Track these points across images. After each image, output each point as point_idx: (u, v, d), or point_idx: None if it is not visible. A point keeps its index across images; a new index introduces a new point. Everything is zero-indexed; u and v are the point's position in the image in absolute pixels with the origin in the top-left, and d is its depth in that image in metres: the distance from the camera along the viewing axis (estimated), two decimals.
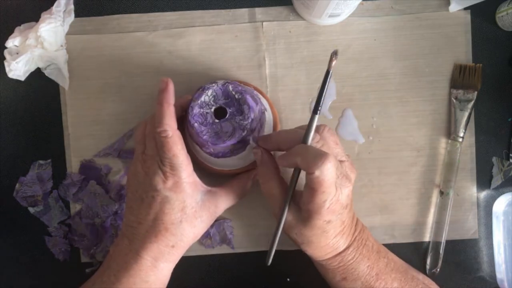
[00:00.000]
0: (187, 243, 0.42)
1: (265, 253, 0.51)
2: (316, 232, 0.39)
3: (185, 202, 0.40)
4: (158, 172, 0.40)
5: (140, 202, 0.41)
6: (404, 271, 0.44)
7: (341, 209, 0.39)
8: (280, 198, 0.41)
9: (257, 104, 0.42)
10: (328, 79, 0.38)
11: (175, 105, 0.41)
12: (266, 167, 0.42)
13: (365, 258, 0.42)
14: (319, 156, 0.36)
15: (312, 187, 0.37)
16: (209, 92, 0.42)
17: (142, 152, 0.42)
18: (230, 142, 0.41)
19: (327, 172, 0.36)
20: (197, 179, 0.42)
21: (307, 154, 0.37)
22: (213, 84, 0.42)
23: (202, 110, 0.42)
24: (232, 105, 0.42)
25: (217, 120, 0.42)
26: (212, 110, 0.42)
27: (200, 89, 0.42)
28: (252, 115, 0.42)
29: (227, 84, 0.42)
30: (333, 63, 0.38)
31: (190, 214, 0.41)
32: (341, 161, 0.39)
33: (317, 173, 0.36)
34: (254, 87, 0.47)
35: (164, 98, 0.39)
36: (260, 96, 0.47)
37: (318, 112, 0.39)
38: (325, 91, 0.39)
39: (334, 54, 0.38)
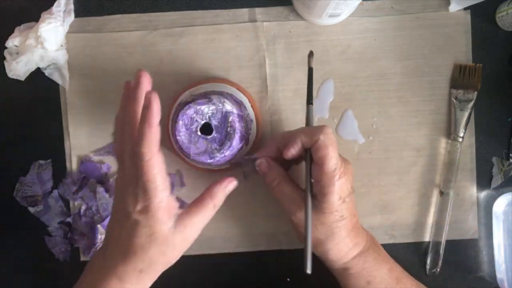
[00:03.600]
0: (156, 270, 0.40)
1: (266, 253, 0.51)
2: (333, 219, 0.40)
3: (155, 228, 0.37)
4: (130, 193, 0.37)
5: (115, 220, 0.40)
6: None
7: (348, 195, 0.40)
8: (294, 195, 0.41)
9: (240, 141, 0.43)
10: (312, 75, 0.44)
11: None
12: (273, 170, 0.42)
13: (384, 261, 0.43)
14: (318, 126, 0.40)
15: (320, 157, 0.38)
16: (212, 107, 0.43)
17: (121, 167, 0.39)
18: (193, 157, 0.43)
19: (330, 136, 0.39)
20: (173, 202, 0.39)
21: (307, 129, 0.40)
22: (220, 104, 0.43)
23: (195, 115, 0.42)
24: (220, 132, 0.43)
25: (198, 133, 0.43)
26: (202, 122, 0.43)
27: (208, 98, 0.43)
28: (226, 154, 0.43)
29: (231, 113, 0.43)
30: (311, 62, 0.44)
31: (160, 240, 0.38)
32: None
33: (321, 137, 0.38)
34: (249, 97, 0.48)
35: (147, 119, 0.35)
36: (251, 110, 0.47)
37: (312, 103, 0.43)
38: (311, 85, 0.43)
39: (310, 55, 0.44)
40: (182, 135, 0.43)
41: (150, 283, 0.40)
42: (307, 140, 0.39)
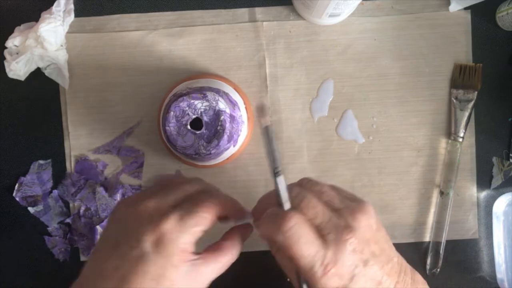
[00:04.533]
0: None
1: (266, 253, 0.51)
2: None
3: (165, 270, 0.30)
4: (157, 214, 0.31)
5: (113, 247, 0.30)
6: None
7: (360, 270, 0.31)
8: (291, 265, 0.33)
9: (228, 142, 0.43)
10: (271, 134, 0.31)
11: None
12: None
13: None
14: (280, 215, 0.30)
15: (291, 256, 0.30)
16: (206, 103, 0.43)
17: (152, 191, 0.34)
18: (179, 149, 0.43)
19: (294, 231, 0.29)
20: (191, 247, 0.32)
21: (268, 219, 0.31)
22: (214, 102, 0.42)
23: (187, 108, 0.42)
24: (210, 129, 0.43)
25: (188, 127, 0.43)
26: (193, 117, 0.43)
27: (203, 94, 0.43)
28: (212, 152, 0.42)
29: (223, 112, 0.42)
30: (266, 118, 0.31)
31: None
32: (337, 209, 0.32)
33: (280, 238, 0.30)
34: (244, 97, 0.48)
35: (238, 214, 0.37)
36: (245, 111, 0.47)
37: (280, 173, 0.31)
38: (274, 148, 0.31)
39: (260, 109, 0.31)
40: (172, 126, 0.43)
41: None
42: (268, 236, 0.31)
